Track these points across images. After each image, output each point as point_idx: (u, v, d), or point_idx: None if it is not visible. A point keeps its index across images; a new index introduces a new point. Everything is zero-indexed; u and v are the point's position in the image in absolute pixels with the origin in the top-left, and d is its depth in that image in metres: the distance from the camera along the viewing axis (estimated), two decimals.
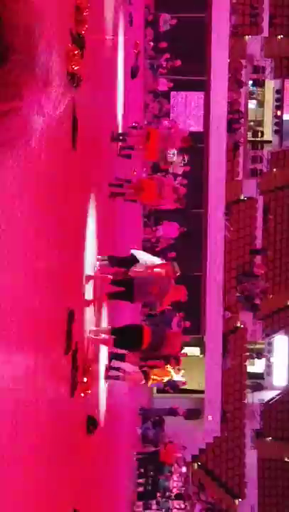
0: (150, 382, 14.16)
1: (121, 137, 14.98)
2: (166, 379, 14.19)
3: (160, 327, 12.40)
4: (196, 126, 31.04)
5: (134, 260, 11.81)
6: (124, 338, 11.68)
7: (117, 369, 13.55)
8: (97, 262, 11.43)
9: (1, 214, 5.41)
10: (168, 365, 14.27)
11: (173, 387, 26.13)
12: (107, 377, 13.01)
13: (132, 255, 12.11)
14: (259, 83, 32.82)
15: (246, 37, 31.51)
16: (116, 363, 13.38)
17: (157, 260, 12.17)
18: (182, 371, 15.20)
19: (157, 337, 11.69)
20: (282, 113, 33.07)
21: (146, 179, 15.21)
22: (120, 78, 17.18)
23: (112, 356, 13.26)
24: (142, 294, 11.41)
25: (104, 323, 12.73)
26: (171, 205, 14.59)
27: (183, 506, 26.01)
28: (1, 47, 1.29)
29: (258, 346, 32.91)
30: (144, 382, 14.01)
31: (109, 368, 13.02)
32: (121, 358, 13.40)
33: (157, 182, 14.32)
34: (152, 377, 13.77)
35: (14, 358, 5.94)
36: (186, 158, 22.69)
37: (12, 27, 1.28)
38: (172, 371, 13.88)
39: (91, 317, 11.05)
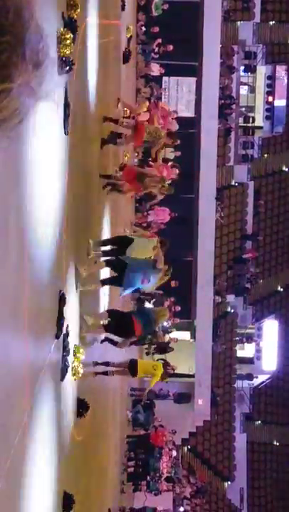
0: (139, 376, 14.25)
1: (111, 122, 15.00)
2: (152, 378, 14.23)
3: (147, 315, 12.48)
4: (188, 112, 31.01)
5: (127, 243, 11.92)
6: (116, 326, 11.86)
7: (106, 364, 13.56)
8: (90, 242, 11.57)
9: None
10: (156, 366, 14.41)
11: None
12: (95, 374, 13.05)
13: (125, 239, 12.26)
14: (251, 69, 32.77)
15: (238, 22, 31.44)
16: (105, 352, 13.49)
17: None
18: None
19: (148, 327, 11.97)
20: (273, 99, 33.05)
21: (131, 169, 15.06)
22: (112, 63, 17.16)
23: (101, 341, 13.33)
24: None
25: (98, 308, 12.85)
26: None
27: (172, 488, 26.23)
28: None
29: (248, 331, 33.06)
30: (131, 376, 14.11)
31: (96, 364, 13.01)
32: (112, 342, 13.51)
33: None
34: (140, 371, 13.87)
35: (5, 340, 6.01)
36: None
37: (1, 8, 1.33)
38: (158, 372, 13.94)
39: (83, 301, 11.13)
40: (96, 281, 11.83)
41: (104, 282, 12.26)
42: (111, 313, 12.05)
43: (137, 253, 11.67)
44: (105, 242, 12.30)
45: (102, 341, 13.20)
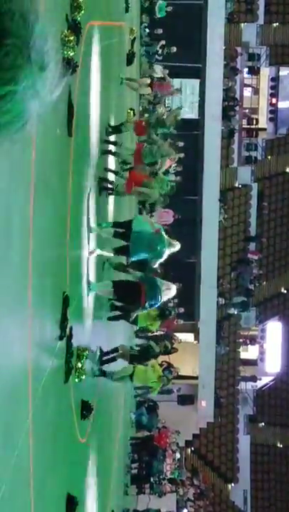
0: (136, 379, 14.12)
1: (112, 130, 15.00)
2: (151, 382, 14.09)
3: (155, 284, 12.58)
4: (192, 114, 31.01)
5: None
6: (124, 291, 12.07)
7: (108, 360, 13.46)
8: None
9: None
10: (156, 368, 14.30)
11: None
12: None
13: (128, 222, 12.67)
14: (254, 71, 32.77)
15: (242, 24, 31.43)
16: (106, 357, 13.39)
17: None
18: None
19: (153, 298, 12.12)
20: (277, 101, 33.06)
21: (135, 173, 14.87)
22: (116, 64, 17.17)
23: (102, 353, 13.18)
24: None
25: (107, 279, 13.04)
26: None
27: (175, 490, 26.22)
28: None
29: (251, 333, 33.04)
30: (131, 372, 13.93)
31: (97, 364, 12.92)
32: (112, 354, 13.44)
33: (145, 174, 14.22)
34: (136, 380, 13.79)
35: (9, 341, 6.00)
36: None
37: (7, 11, 1.33)
38: (156, 379, 13.84)
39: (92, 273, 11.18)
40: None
41: (116, 251, 12.67)
42: (118, 283, 12.28)
43: (141, 226, 12.12)
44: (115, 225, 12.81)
45: (102, 363, 13.04)
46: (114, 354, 13.54)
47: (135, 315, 12.66)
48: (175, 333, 27.21)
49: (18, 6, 1.33)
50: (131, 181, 14.04)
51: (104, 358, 13.16)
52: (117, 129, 15.14)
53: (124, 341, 17.28)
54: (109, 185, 14.16)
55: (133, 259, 12.33)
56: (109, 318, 13.48)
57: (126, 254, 12.56)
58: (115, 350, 13.66)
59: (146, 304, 12.01)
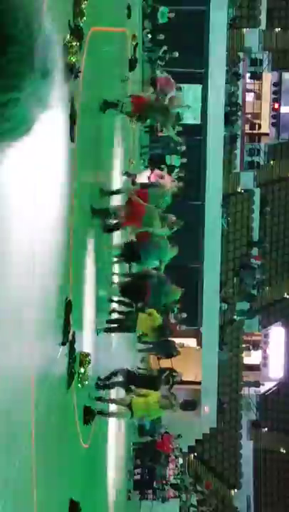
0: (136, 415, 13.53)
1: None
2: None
3: (162, 284, 12.66)
4: (194, 119, 31.02)
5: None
6: (130, 284, 12.27)
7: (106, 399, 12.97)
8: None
9: (0, 202, 5.49)
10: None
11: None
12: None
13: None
14: (257, 76, 32.81)
15: (244, 29, 31.47)
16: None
17: None
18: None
19: (157, 297, 12.24)
20: (279, 106, 33.09)
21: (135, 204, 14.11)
22: (118, 70, 17.20)
23: (99, 383, 12.78)
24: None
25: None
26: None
27: (178, 495, 26.17)
28: (0, 38, 1.36)
29: (254, 338, 33.00)
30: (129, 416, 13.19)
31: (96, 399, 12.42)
32: (108, 386, 13.15)
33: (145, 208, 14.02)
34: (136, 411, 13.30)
35: (11, 347, 6.01)
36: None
37: (11, 18, 1.34)
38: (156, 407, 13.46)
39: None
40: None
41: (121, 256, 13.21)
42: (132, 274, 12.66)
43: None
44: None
45: (102, 387, 12.70)
46: (113, 380, 13.08)
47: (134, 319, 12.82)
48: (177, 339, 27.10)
49: (22, 13, 1.34)
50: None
51: (103, 383, 12.67)
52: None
53: (126, 347, 17.26)
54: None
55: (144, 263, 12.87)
56: (106, 330, 13.43)
57: (134, 260, 13.00)
58: (114, 373, 13.18)
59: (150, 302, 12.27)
